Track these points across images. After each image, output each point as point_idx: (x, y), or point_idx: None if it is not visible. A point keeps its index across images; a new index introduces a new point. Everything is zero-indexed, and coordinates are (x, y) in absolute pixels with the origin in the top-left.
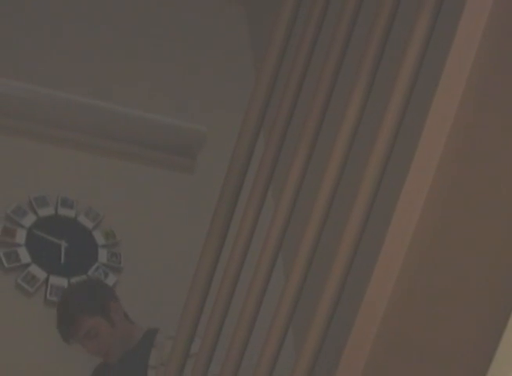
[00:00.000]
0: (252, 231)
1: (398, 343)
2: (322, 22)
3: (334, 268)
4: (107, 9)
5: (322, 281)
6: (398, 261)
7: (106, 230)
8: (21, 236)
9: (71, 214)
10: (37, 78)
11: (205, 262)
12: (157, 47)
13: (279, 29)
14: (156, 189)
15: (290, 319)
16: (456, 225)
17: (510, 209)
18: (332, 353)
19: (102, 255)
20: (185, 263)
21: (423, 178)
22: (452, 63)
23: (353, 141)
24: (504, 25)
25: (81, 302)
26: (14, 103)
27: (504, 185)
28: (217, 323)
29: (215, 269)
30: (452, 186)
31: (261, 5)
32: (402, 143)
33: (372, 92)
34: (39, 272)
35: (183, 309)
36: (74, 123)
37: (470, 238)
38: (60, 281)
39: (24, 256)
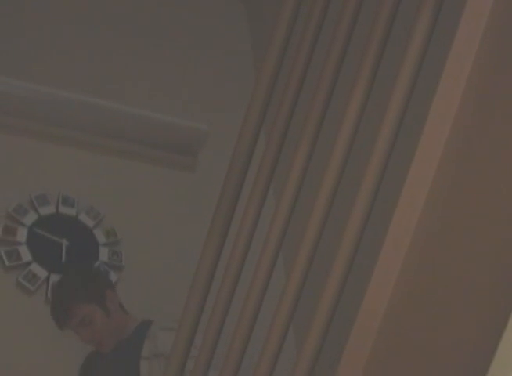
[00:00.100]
0: (253, 229)
1: (399, 343)
2: (323, 20)
3: (335, 266)
4: (107, 7)
5: (322, 280)
6: (398, 260)
7: (107, 229)
8: (22, 235)
9: (72, 212)
10: (38, 77)
11: (206, 260)
12: (158, 45)
13: (279, 27)
14: (157, 187)
15: (291, 318)
16: (456, 225)
17: (510, 209)
18: (333, 352)
19: (103, 254)
20: (186, 261)
21: (423, 178)
22: (453, 62)
23: (354, 140)
24: (504, 25)
25: (77, 289)
26: (15, 102)
27: (504, 185)
28: (218, 322)
29: (216, 267)
30: (452, 186)
31: (261, 4)
32: (402, 143)
33: (372, 92)
34: (40, 271)
35: (184, 308)
36: (75, 121)
37: (470, 238)
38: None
39: (25, 254)
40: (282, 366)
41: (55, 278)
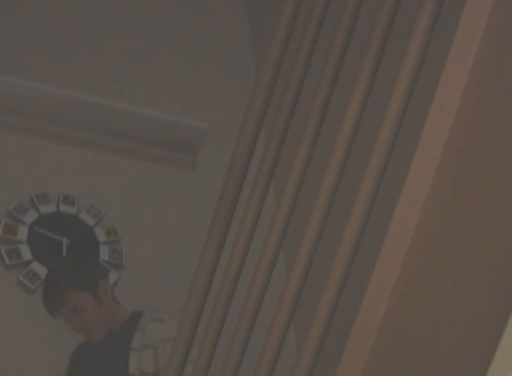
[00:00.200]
0: (253, 228)
1: (399, 343)
2: (323, 19)
3: (335, 265)
4: (108, 6)
5: (323, 279)
6: (398, 260)
7: (107, 227)
8: (23, 233)
9: (73, 211)
10: (39, 75)
11: (206, 259)
12: (158, 44)
13: (279, 26)
14: (158, 186)
15: (291, 317)
16: (456, 225)
17: (510, 209)
18: (333, 352)
19: (104, 252)
20: (187, 260)
21: (423, 178)
22: (453, 62)
23: (354, 139)
24: (504, 25)
25: (70, 276)
26: (15, 100)
27: (504, 185)
28: (218, 321)
29: (216, 266)
30: (452, 186)
31: (262, 2)
32: (403, 142)
33: (372, 91)
34: (41, 269)
35: (184, 307)
36: (75, 120)
37: (470, 237)
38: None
39: (26, 253)
40: (282, 366)
41: None
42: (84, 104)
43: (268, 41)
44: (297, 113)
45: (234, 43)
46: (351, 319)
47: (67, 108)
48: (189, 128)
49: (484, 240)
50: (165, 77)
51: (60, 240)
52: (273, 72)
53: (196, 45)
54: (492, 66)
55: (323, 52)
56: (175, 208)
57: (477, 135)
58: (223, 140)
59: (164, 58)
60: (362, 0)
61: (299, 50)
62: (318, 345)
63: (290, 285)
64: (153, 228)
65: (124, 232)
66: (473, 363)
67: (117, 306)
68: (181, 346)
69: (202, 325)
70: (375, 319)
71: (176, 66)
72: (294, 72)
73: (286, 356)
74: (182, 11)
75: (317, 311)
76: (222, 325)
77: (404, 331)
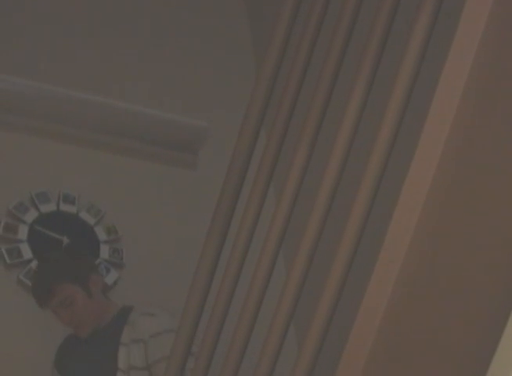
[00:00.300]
0: (253, 227)
1: (398, 342)
2: (323, 19)
3: (335, 265)
4: (108, 5)
5: (323, 278)
6: (398, 259)
7: (107, 226)
8: (23, 232)
9: (73, 210)
10: (39, 74)
11: (206, 258)
12: (159, 43)
13: (280, 25)
14: (158, 184)
15: (291, 317)
16: (456, 224)
17: (509, 209)
18: (333, 352)
19: (104, 251)
20: (187, 259)
21: (423, 177)
22: (452, 62)
23: (354, 139)
24: (504, 25)
25: (61, 268)
26: (15, 99)
27: (504, 184)
28: (218, 320)
29: (217, 265)
30: (451, 185)
31: (262, 1)
32: (403, 141)
33: (372, 90)
34: None
35: (185, 306)
36: (76, 119)
37: (469, 237)
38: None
39: (26, 252)
40: (283, 366)
41: None
42: (84, 103)
43: (268, 40)
44: (297, 112)
45: (234, 42)
46: (351, 318)
47: (68, 107)
48: (190, 127)
49: (484, 240)
50: (165, 76)
51: (60, 239)
52: (273, 71)
53: (196, 43)
54: (491, 66)
55: (323, 52)
56: (175, 207)
57: (477, 135)
58: (223, 139)
59: (164, 57)
60: (362, 0)
61: (299, 49)
62: (318, 345)
63: (290, 284)
64: (153, 227)
65: (125, 231)
66: (473, 363)
67: (106, 301)
68: (181, 346)
69: (202, 324)
70: (375, 318)
71: (176, 65)
72: (294, 71)
73: (286, 355)
74: (183, 10)
75: (317, 310)
76: (222, 324)
77: (404, 331)
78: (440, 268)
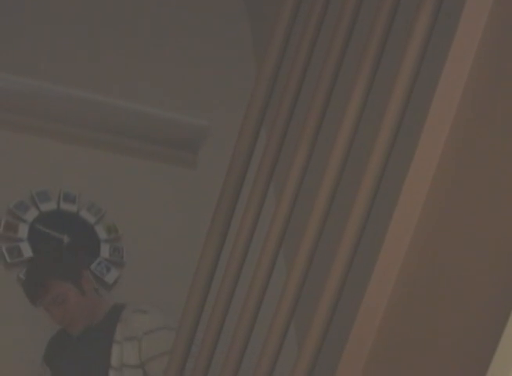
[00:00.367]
0: (254, 227)
1: (398, 342)
2: (323, 18)
3: (335, 265)
4: (109, 4)
5: (323, 278)
6: (398, 260)
7: (108, 225)
8: (23, 231)
9: (73, 208)
10: (39, 73)
11: (207, 257)
12: (159, 42)
13: (280, 24)
14: (158, 183)
15: (292, 316)
16: (456, 224)
17: (509, 209)
18: (333, 351)
19: (105, 250)
20: (187, 258)
21: (423, 178)
22: (452, 62)
23: (354, 137)
24: (504, 25)
25: (54, 265)
26: (15, 98)
27: (504, 184)
28: (218, 319)
29: (217, 264)
30: (451, 185)
31: (262, 0)
32: (403, 140)
33: (372, 89)
34: None
35: (185, 304)
36: (76, 118)
37: (470, 236)
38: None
39: (26, 251)
40: (283, 366)
41: None
42: (84, 102)
43: (269, 39)
44: (298, 111)
45: (235, 41)
46: (351, 318)
47: (68, 106)
48: (190, 126)
49: (484, 239)
50: (166, 74)
51: (61, 237)
52: (274, 70)
53: (196, 42)
54: (491, 66)
55: (323, 51)
56: (176, 206)
57: (477, 135)
58: (224, 138)
59: (164, 56)
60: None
61: (299, 49)
62: (318, 345)
63: (290, 284)
64: (153, 226)
65: (125, 230)
66: (472, 363)
67: (99, 298)
68: (181, 346)
69: (202, 323)
70: (375, 318)
71: (177, 63)
72: (295, 70)
73: (286, 354)
74: (183, 9)
75: (317, 310)
76: (223, 323)
77: (404, 331)
78: (440, 268)
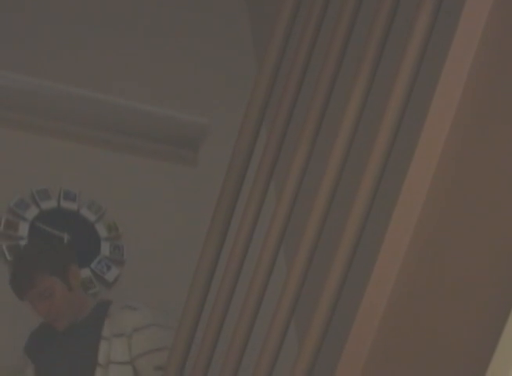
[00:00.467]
0: (254, 224)
1: (398, 342)
2: (324, 16)
3: (335, 264)
4: (109, 4)
5: (323, 276)
6: (397, 259)
7: (108, 223)
8: (24, 229)
9: (74, 207)
10: (39, 71)
11: (207, 254)
12: (160, 40)
13: (280, 22)
14: (159, 181)
15: (292, 314)
16: (456, 224)
17: (509, 209)
18: (333, 350)
19: (105, 248)
20: (188, 256)
21: (422, 177)
22: (452, 61)
23: (354, 136)
24: (504, 23)
25: (41, 259)
26: (16, 96)
27: (504, 184)
28: (219, 317)
29: (217, 262)
30: (451, 185)
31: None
32: (402, 141)
33: (372, 88)
34: None
35: (185, 303)
36: (76, 116)
37: (469, 237)
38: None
39: None
40: (283, 364)
41: None
42: (85, 100)
43: (269, 38)
44: (298, 109)
45: (235, 39)
46: (351, 318)
47: (68, 104)
48: (190, 124)
49: (484, 239)
50: (166, 72)
51: (61, 236)
52: (274, 69)
53: (197, 41)
54: (491, 65)
55: (323, 49)
56: (176, 204)
57: (477, 135)
58: (224, 136)
59: (165, 54)
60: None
61: (299, 47)
62: (318, 344)
63: (290, 283)
64: (153, 224)
65: (125, 228)
66: (472, 362)
67: (85, 295)
68: (181, 345)
69: (202, 321)
70: (375, 318)
71: (177, 61)
72: (295, 69)
73: (287, 353)
74: (184, 7)
75: (317, 310)
76: (223, 321)
77: (403, 331)
78: (440, 268)
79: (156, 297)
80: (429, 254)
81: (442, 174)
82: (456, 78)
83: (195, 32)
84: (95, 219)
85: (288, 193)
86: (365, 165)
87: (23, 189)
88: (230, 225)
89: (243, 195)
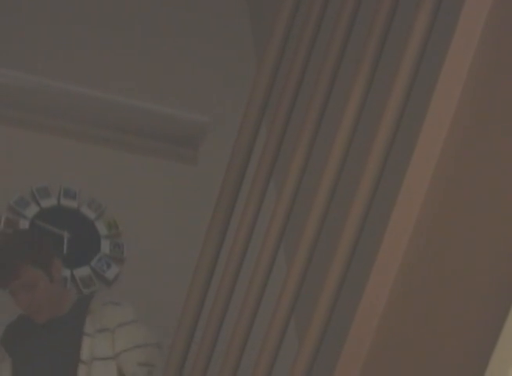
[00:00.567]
0: (254, 222)
1: (397, 341)
2: (324, 13)
3: (335, 262)
4: (109, 3)
5: (323, 275)
6: (397, 259)
7: (108, 221)
8: (24, 227)
9: (74, 204)
10: (39, 69)
11: (207, 252)
12: (160, 38)
13: (280, 22)
14: (159, 179)
15: (291, 313)
16: (455, 224)
17: (509, 208)
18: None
19: (105, 246)
20: (188, 254)
21: (422, 177)
22: (451, 62)
23: (354, 134)
24: (504, 23)
25: (26, 250)
26: (16, 94)
27: (503, 184)
28: (219, 315)
29: (217, 260)
30: (451, 186)
31: None
32: (402, 140)
33: (372, 86)
34: None
35: (185, 300)
36: (76, 114)
37: (468, 236)
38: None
39: None
40: (283, 363)
41: None
42: (85, 98)
43: (269, 35)
44: (297, 108)
45: (235, 38)
46: (350, 318)
47: (68, 102)
48: (190, 122)
49: (484, 239)
50: (166, 71)
51: (61, 233)
52: (274, 67)
53: (197, 39)
54: (491, 65)
55: (323, 47)
56: (176, 202)
57: (477, 134)
58: (224, 135)
59: (165, 52)
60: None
61: (299, 46)
62: (316, 344)
63: (290, 281)
64: (153, 222)
65: (125, 225)
66: (472, 362)
67: (65, 289)
68: (181, 343)
69: (202, 320)
70: (373, 318)
71: (177, 60)
72: (294, 68)
73: (286, 352)
74: (184, 6)
75: (316, 309)
76: (223, 319)
77: (402, 330)
78: (439, 267)
79: (156, 295)
80: (428, 253)
81: (441, 173)
82: (456, 78)
83: (195, 31)
84: (95, 217)
85: (288, 191)
86: (364, 164)
87: (23, 187)
88: (230, 223)
89: (242, 193)
